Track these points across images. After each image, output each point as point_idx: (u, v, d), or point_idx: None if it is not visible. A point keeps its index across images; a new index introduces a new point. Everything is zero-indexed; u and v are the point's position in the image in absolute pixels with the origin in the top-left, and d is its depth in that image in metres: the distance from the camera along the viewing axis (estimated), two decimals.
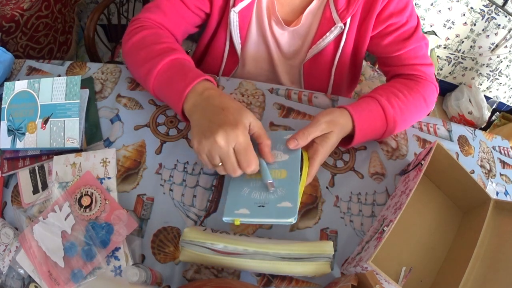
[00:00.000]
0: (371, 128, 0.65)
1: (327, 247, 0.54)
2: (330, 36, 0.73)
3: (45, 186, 0.62)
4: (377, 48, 0.76)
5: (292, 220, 0.52)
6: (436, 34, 1.83)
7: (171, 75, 0.61)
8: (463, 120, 2.06)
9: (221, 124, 0.51)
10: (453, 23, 1.83)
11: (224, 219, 0.54)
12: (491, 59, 1.95)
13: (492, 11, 1.73)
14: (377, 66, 1.27)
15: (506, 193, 0.73)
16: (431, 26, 1.86)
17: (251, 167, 0.52)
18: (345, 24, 0.71)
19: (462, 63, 2.03)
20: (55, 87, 0.65)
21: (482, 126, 2.01)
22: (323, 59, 0.78)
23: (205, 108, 0.55)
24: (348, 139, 0.65)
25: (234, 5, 0.71)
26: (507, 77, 2.03)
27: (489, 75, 2.04)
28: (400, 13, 0.70)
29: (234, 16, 0.72)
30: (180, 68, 0.61)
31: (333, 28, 0.72)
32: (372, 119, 0.65)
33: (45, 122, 0.64)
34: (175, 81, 0.60)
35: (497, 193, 0.72)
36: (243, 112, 0.54)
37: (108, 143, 0.66)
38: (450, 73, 2.11)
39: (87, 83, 0.72)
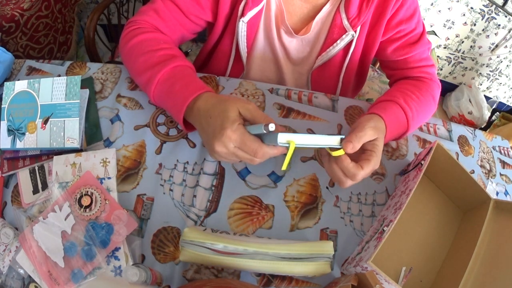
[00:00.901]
0: (396, 130, 0.65)
1: (327, 247, 0.54)
2: (341, 43, 0.73)
3: (45, 186, 0.62)
4: (384, 52, 0.76)
5: (339, 142, 0.52)
6: (436, 34, 1.83)
7: (170, 85, 0.61)
8: (463, 120, 2.06)
9: (213, 134, 0.53)
10: (453, 23, 1.83)
11: (279, 138, 0.48)
12: (491, 59, 1.95)
13: (492, 11, 1.73)
14: (377, 66, 1.27)
15: (506, 193, 0.73)
16: (431, 26, 1.86)
17: (257, 155, 0.52)
18: (355, 32, 0.71)
19: (462, 63, 2.03)
20: (55, 87, 0.65)
21: (482, 126, 2.01)
22: (331, 66, 0.78)
23: (200, 122, 0.58)
24: None
25: (243, 15, 0.70)
26: (507, 77, 2.03)
27: (489, 75, 2.04)
28: (409, 20, 0.70)
29: (242, 26, 0.72)
30: (179, 78, 0.62)
31: (344, 36, 0.72)
32: (398, 122, 0.65)
33: (45, 122, 0.64)
34: (174, 93, 0.61)
35: (497, 193, 0.72)
36: (226, 109, 0.53)
37: (108, 143, 0.66)
38: (450, 73, 2.11)
39: (87, 83, 0.72)
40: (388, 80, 0.86)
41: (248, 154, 0.53)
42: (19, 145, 0.63)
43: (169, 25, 0.71)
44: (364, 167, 0.54)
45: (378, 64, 1.28)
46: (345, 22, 0.70)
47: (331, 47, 0.74)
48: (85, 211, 0.58)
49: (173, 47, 0.68)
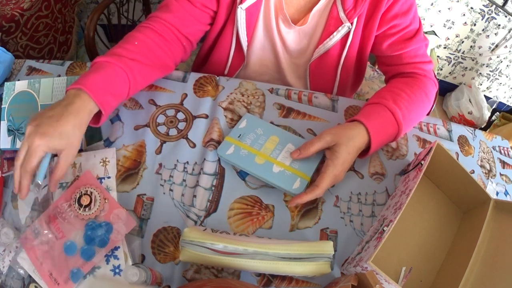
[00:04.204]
0: (385, 134, 0.65)
1: (327, 247, 0.54)
2: (337, 35, 0.73)
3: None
4: (379, 47, 0.76)
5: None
6: (436, 34, 1.83)
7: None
8: (463, 120, 2.06)
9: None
10: (453, 23, 1.83)
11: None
12: (491, 59, 1.95)
13: (492, 11, 1.73)
14: (377, 66, 1.27)
15: (506, 193, 0.73)
16: (431, 26, 1.86)
17: None
18: (352, 24, 0.72)
19: (462, 63, 2.03)
20: (55, 87, 0.65)
21: (482, 126, 2.01)
22: (329, 59, 0.78)
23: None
24: (364, 150, 0.65)
25: (241, 2, 0.71)
26: (507, 77, 2.03)
27: (489, 75, 2.04)
28: (404, 15, 0.71)
29: (241, 13, 0.73)
30: (91, 70, 0.60)
31: (340, 28, 0.72)
32: (385, 125, 0.65)
33: None
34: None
35: (497, 193, 0.72)
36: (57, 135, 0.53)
37: (108, 143, 0.66)
38: (450, 73, 2.11)
39: None
40: None
41: None
42: (19, 145, 0.63)
43: (179, 16, 0.71)
44: (319, 183, 0.59)
45: None
46: (341, 14, 0.71)
47: (327, 39, 0.74)
48: (85, 210, 0.58)
49: (131, 48, 0.64)
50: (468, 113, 2.03)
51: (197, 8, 0.72)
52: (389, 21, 0.71)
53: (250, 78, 0.82)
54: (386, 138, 0.66)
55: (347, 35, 0.74)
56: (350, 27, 0.72)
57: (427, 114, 0.77)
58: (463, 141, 0.78)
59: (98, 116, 0.59)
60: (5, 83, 0.67)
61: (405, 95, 0.69)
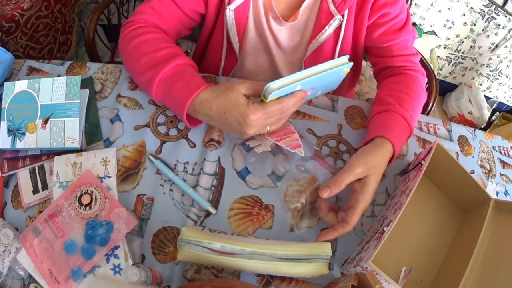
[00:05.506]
0: (403, 141, 0.66)
1: (325, 249, 0.54)
2: (329, 29, 0.73)
3: (45, 186, 0.62)
4: (370, 37, 0.77)
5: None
6: (436, 34, 1.83)
7: (171, 85, 0.62)
8: (463, 120, 2.06)
9: (239, 124, 0.57)
10: (453, 23, 1.83)
11: (271, 85, 0.55)
12: (491, 59, 1.95)
13: (492, 11, 1.73)
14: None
15: (506, 193, 0.73)
16: (431, 26, 1.86)
17: (285, 111, 0.58)
18: (343, 16, 0.72)
19: (462, 63, 2.04)
20: (55, 87, 0.65)
21: (482, 126, 2.01)
22: (323, 54, 0.78)
23: (210, 116, 0.60)
24: None
25: (229, 3, 0.71)
26: (507, 77, 2.03)
27: (489, 75, 2.04)
28: (393, 4, 0.71)
29: (230, 14, 0.72)
30: (180, 77, 0.62)
31: (331, 21, 0.72)
32: (402, 132, 0.65)
33: (45, 122, 0.64)
34: (175, 93, 0.61)
35: (497, 193, 0.72)
36: (234, 99, 0.57)
37: (108, 143, 0.66)
38: (450, 73, 2.11)
39: (87, 83, 0.72)
40: None
41: (278, 116, 0.58)
42: (19, 145, 0.63)
43: (167, 21, 0.72)
44: (350, 220, 0.56)
45: None
46: (332, 7, 0.71)
47: (320, 34, 0.74)
48: (85, 209, 0.58)
49: (175, 46, 0.68)
50: (468, 113, 2.03)
51: (184, 13, 0.73)
52: (379, 9, 0.72)
53: (246, 79, 0.82)
54: (403, 143, 0.67)
55: (339, 28, 0.74)
56: (342, 19, 0.72)
57: (427, 114, 0.77)
58: (463, 141, 0.78)
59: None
60: (5, 83, 0.67)
61: (406, 96, 0.69)
